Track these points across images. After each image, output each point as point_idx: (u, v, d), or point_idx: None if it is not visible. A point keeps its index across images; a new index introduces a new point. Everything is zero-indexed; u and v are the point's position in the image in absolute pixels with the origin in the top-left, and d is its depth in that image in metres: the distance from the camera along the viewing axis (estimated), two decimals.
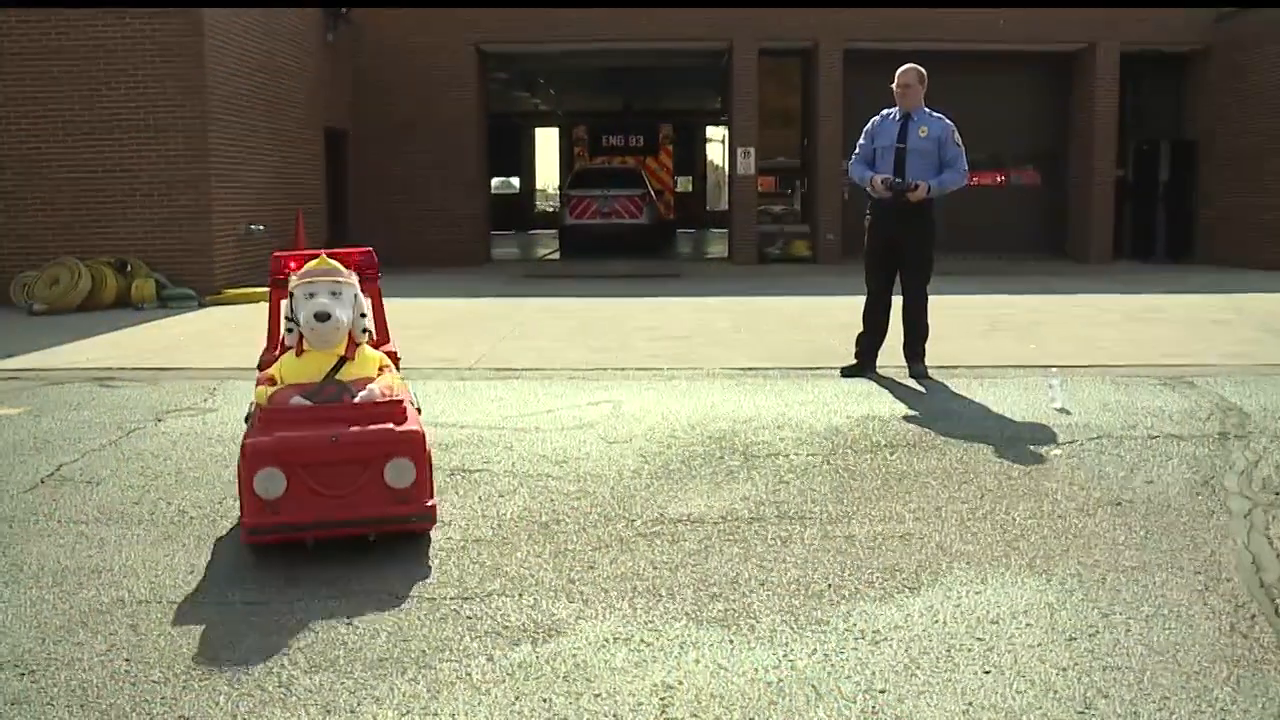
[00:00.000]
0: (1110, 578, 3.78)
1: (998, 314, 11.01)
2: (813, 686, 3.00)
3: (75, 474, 5.18)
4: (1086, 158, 18.79)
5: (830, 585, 3.73)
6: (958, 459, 5.29)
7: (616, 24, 18.01)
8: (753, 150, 18.81)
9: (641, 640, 3.30)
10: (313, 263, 4.40)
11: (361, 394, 4.17)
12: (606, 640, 3.30)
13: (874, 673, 3.07)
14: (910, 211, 7.20)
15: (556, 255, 22.52)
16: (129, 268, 12.73)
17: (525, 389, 7.13)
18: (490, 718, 2.86)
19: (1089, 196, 18.74)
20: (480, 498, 4.74)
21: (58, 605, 3.62)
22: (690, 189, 33.41)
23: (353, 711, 2.90)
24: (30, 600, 3.67)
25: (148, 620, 3.49)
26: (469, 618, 3.48)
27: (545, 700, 2.94)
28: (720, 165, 33.22)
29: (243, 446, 4.01)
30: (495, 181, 27.00)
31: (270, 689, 3.02)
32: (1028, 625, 3.39)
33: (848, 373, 7.45)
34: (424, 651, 3.24)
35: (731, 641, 3.29)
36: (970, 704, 2.90)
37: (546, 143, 35.02)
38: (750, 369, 7.82)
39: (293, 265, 4.59)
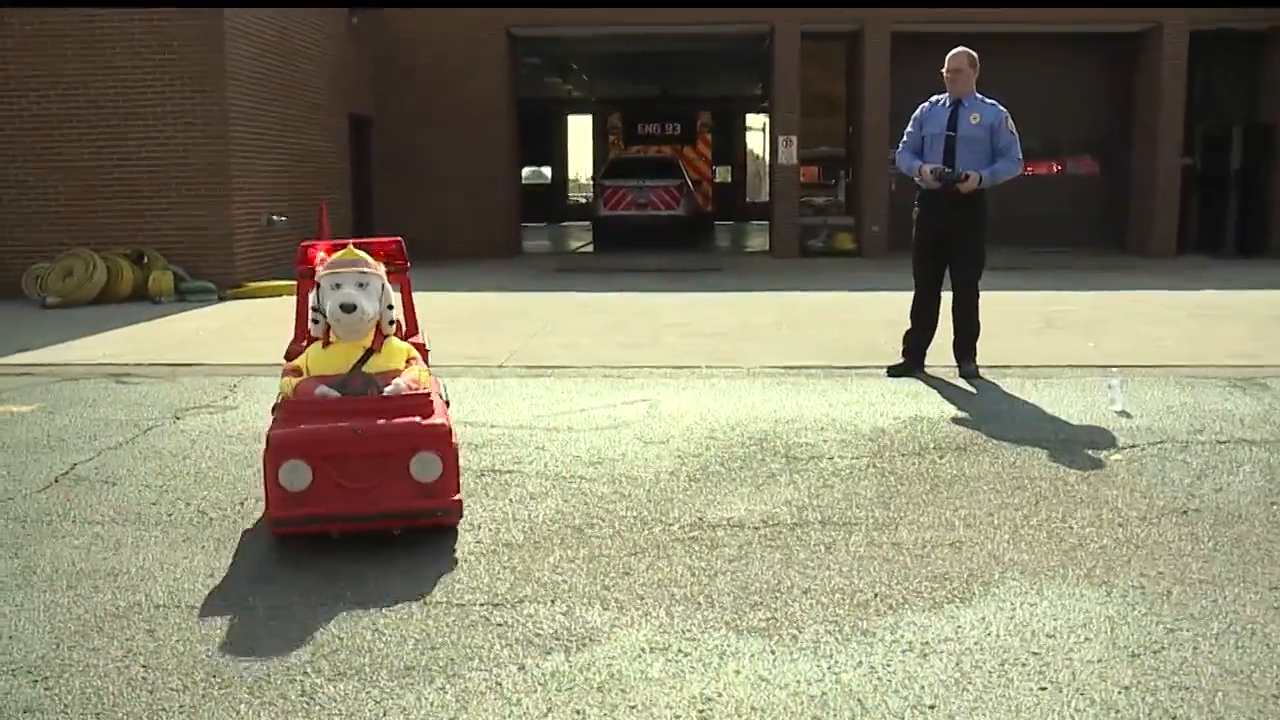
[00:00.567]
0: (1176, 591, 3.65)
1: (1053, 310, 10.78)
2: (858, 700, 2.93)
3: (90, 473, 5.14)
4: (1150, 145, 18.17)
5: (876, 594, 3.66)
6: (1010, 463, 5.18)
7: (652, 6, 17.72)
8: (795, 139, 18.58)
9: (679, 650, 3.25)
10: (339, 253, 4.43)
11: (388, 387, 4.19)
12: (642, 649, 3.25)
13: (923, 687, 3.00)
14: (961, 202, 7.06)
15: (590, 248, 22.33)
16: (145, 259, 12.53)
17: (558, 387, 7.07)
18: None
19: (1152, 186, 18.17)
20: (511, 500, 4.69)
21: (72, 609, 3.59)
22: (729, 179, 33.05)
23: None
24: (44, 604, 3.64)
25: (166, 625, 3.46)
26: (499, 625, 3.43)
27: (578, 712, 2.89)
28: (761, 155, 32.98)
29: (267, 438, 4.02)
30: (526, 171, 26.76)
31: (292, 698, 2.98)
32: (1086, 640, 3.28)
33: (894, 372, 7.34)
34: (453, 659, 3.20)
35: (773, 652, 3.23)
36: None
37: (579, 131, 34.56)
38: (792, 367, 7.73)
39: (321, 255, 4.60)
